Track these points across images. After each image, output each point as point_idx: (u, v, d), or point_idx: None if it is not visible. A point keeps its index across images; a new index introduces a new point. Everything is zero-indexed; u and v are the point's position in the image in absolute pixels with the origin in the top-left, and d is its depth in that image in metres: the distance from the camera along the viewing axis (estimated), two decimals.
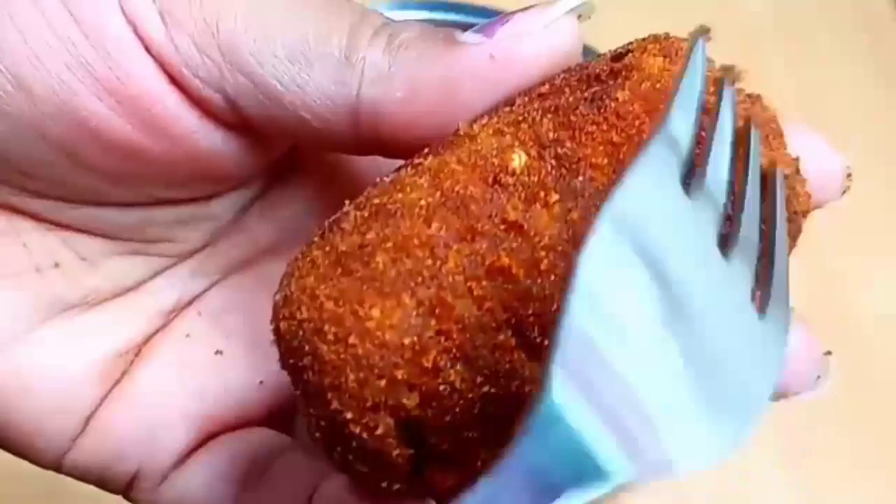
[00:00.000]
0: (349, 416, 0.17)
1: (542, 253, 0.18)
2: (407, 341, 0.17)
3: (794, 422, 0.58)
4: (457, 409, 0.17)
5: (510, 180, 0.19)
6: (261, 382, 0.22)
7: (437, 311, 0.17)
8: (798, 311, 0.66)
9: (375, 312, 0.17)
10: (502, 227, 0.18)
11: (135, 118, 0.19)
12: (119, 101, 0.19)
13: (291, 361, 0.18)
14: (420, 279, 0.17)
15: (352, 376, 0.17)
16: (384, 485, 0.18)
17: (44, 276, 0.21)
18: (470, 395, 0.17)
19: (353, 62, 0.20)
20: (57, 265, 0.21)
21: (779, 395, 0.21)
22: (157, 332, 0.22)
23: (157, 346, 0.22)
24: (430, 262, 0.18)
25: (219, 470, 0.22)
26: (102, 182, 0.20)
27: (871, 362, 0.60)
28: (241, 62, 0.19)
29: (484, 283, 0.18)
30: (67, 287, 0.21)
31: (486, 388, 0.17)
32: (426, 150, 0.20)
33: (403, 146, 0.20)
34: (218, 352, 0.22)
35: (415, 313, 0.17)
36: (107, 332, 0.22)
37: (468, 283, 0.18)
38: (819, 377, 0.22)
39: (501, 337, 0.18)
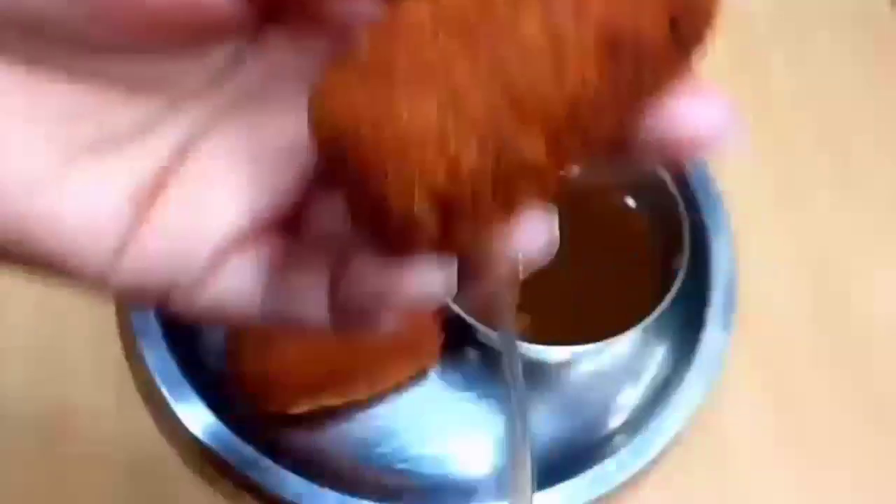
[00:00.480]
0: (389, 193, 0.20)
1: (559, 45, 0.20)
2: (433, 130, 0.20)
3: (795, 421, 0.58)
4: (475, 185, 0.21)
5: None
6: (271, 199, 0.26)
7: (456, 104, 0.20)
8: (800, 311, 0.65)
9: (404, 106, 0.20)
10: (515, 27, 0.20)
11: None
12: None
13: (330, 157, 0.22)
14: (440, 77, 0.20)
15: (390, 162, 0.20)
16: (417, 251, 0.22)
17: (68, 121, 0.23)
18: (484, 174, 0.21)
19: None
20: (79, 110, 0.23)
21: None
22: (174, 166, 0.25)
23: (177, 177, 0.25)
24: (449, 64, 0.20)
25: (246, 271, 0.25)
26: (115, 33, 0.22)
27: (873, 362, 0.60)
28: None
29: (501, 78, 0.20)
30: (89, 130, 0.23)
31: (496, 168, 0.21)
32: None
33: None
34: (229, 176, 0.25)
35: (437, 106, 0.20)
36: (130, 167, 0.24)
37: (485, 79, 0.20)
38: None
39: (519, 133, 0.21)
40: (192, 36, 0.23)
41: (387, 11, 0.21)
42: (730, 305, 0.58)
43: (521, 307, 0.57)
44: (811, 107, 0.67)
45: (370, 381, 0.54)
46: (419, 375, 0.56)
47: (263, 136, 0.25)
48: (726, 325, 0.58)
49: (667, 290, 0.54)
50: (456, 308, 0.53)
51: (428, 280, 0.24)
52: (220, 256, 0.25)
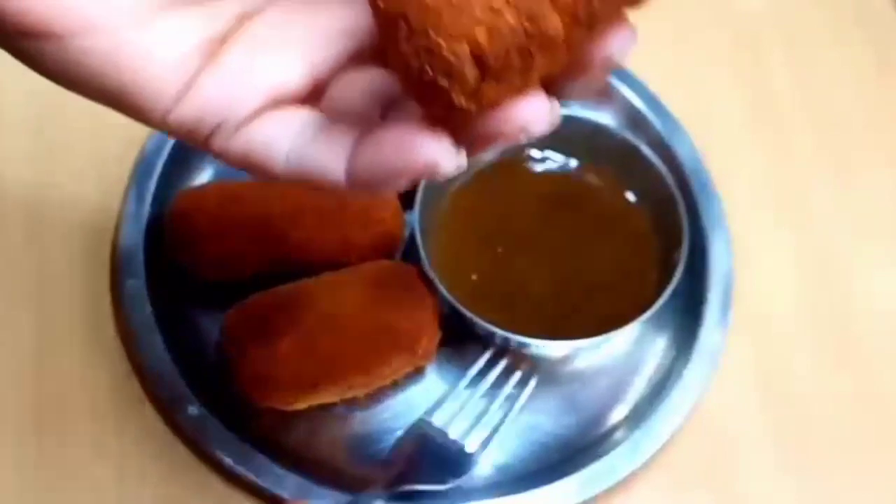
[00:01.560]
0: (441, 43, 0.24)
1: None
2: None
3: (793, 419, 0.58)
4: (510, 43, 0.25)
5: None
6: (312, 70, 0.30)
7: None
8: (800, 310, 0.65)
9: None
10: None
11: None
12: None
13: (388, 15, 0.25)
14: None
15: (442, 18, 0.24)
16: (454, 100, 0.26)
17: None
18: (516, 39, 0.25)
19: None
20: None
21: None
22: (236, 27, 0.30)
23: (238, 37, 0.30)
24: None
25: (279, 125, 0.30)
26: None
27: (873, 360, 0.60)
28: None
29: None
30: None
31: (530, 29, 0.25)
32: None
33: None
34: (281, 44, 0.30)
35: None
36: (202, 23, 0.29)
37: None
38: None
39: (544, 7, 0.25)
40: None
41: None
42: (727, 303, 0.58)
43: (520, 302, 0.57)
44: (811, 106, 0.67)
45: (367, 378, 0.54)
46: (416, 372, 0.56)
47: (314, 16, 0.30)
48: (724, 323, 0.58)
49: (666, 285, 0.54)
50: (454, 303, 0.53)
51: (441, 151, 0.28)
52: (262, 107, 0.30)
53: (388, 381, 0.55)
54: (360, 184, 0.29)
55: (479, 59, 0.25)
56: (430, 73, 0.25)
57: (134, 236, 0.57)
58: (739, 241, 0.61)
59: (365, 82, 0.31)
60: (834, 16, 0.72)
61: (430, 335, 0.54)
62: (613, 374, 0.58)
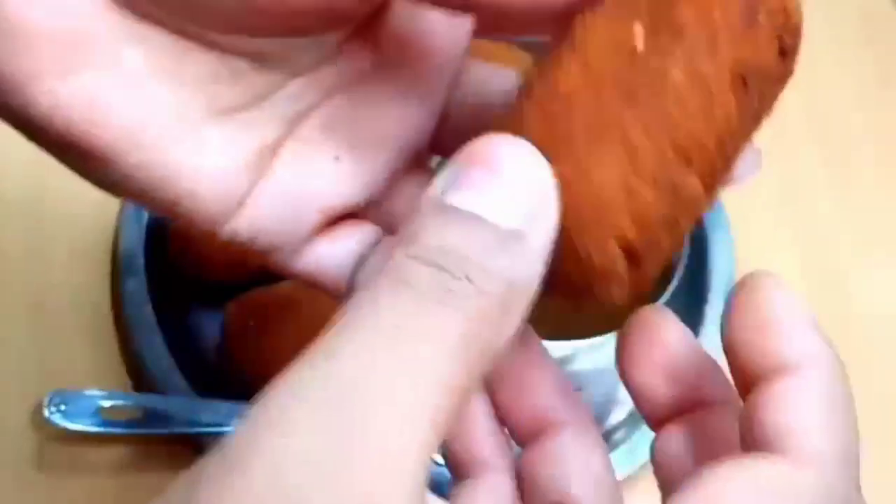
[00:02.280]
0: (589, 249, 0.23)
1: (713, 92, 0.23)
2: (620, 187, 0.23)
3: None
4: (655, 222, 0.24)
5: (641, 45, 0.23)
6: (364, 187, 0.29)
7: (632, 158, 0.23)
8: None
9: (592, 169, 0.23)
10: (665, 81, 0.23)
11: None
12: None
13: None
14: (614, 135, 0.23)
15: (587, 222, 0.23)
16: (607, 298, 0.25)
17: (205, 84, 0.26)
18: (663, 219, 0.24)
19: None
20: (214, 76, 0.26)
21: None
22: (290, 130, 0.28)
23: (292, 142, 0.28)
24: (617, 121, 0.23)
25: (339, 246, 0.29)
26: (256, 18, 0.25)
27: (872, 361, 0.60)
28: None
29: (663, 127, 0.23)
30: (222, 94, 0.26)
31: (672, 201, 0.24)
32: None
33: None
34: (336, 158, 0.29)
35: (618, 163, 0.23)
36: (250, 133, 0.27)
37: (651, 130, 0.23)
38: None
39: (683, 174, 0.23)
40: (318, 23, 0.26)
41: (535, 78, 0.24)
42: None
43: None
44: (812, 107, 0.67)
45: None
46: None
47: (368, 117, 0.29)
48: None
49: (667, 286, 0.54)
50: None
51: None
52: (318, 226, 0.29)
53: None
54: None
55: (629, 251, 0.24)
56: (581, 280, 0.24)
57: (134, 236, 0.57)
58: (740, 241, 0.61)
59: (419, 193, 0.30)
60: (834, 16, 0.72)
61: None
62: (613, 374, 0.58)
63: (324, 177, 0.28)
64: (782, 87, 0.25)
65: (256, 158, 0.27)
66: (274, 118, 0.28)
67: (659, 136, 0.23)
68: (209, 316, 0.57)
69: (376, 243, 0.29)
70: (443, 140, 0.30)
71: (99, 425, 0.52)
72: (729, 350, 0.24)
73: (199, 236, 0.56)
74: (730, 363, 0.24)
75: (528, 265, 0.22)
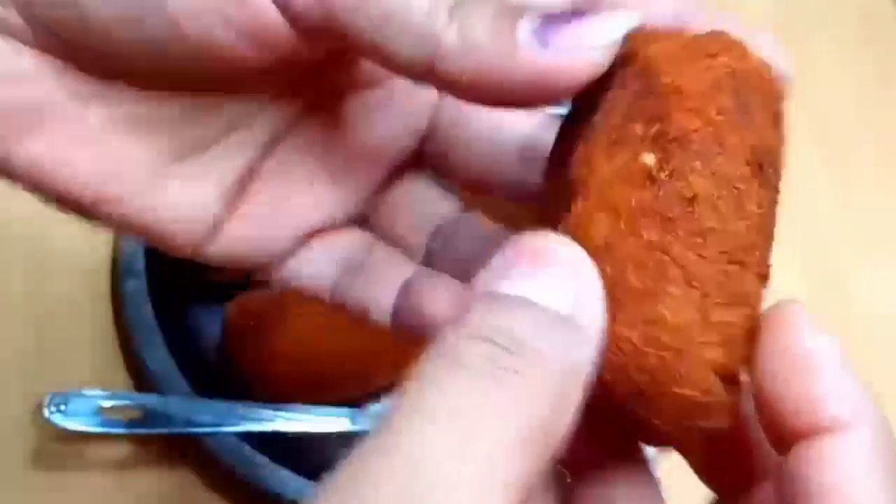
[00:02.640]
0: (686, 385, 0.23)
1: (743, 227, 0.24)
2: (696, 319, 0.23)
3: None
4: (738, 337, 0.23)
5: (661, 176, 0.23)
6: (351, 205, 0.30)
7: (698, 287, 0.23)
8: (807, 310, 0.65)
9: (665, 313, 0.23)
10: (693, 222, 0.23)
11: (250, 41, 0.25)
12: (242, 32, 0.25)
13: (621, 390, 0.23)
14: (671, 271, 0.23)
15: (679, 364, 0.23)
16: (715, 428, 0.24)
17: (172, 128, 0.27)
18: (741, 320, 0.23)
19: (431, 35, 0.24)
20: (181, 119, 0.27)
21: None
22: (257, 164, 0.29)
23: (260, 174, 0.29)
24: (668, 255, 0.23)
25: (322, 257, 0.30)
26: (208, 80, 0.26)
27: (873, 362, 0.60)
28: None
29: (710, 243, 0.23)
30: (190, 134, 0.28)
31: (745, 312, 0.23)
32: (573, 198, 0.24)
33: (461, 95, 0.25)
34: (306, 177, 0.29)
35: (685, 297, 0.23)
36: (222, 165, 0.28)
37: (700, 250, 0.23)
38: None
39: (744, 279, 0.23)
40: (273, 77, 0.27)
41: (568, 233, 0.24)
42: None
43: None
44: (812, 107, 0.67)
45: (366, 378, 0.54)
46: None
47: (344, 134, 0.29)
48: None
49: None
50: None
51: None
52: (298, 244, 0.30)
53: (387, 382, 0.55)
54: (405, 328, 0.29)
55: (726, 376, 0.23)
56: (683, 420, 0.24)
57: (135, 236, 0.57)
58: None
59: (408, 204, 0.31)
60: (834, 16, 0.72)
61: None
62: None
63: (300, 199, 0.29)
64: (785, 149, 0.26)
65: (230, 187, 0.28)
66: (246, 146, 0.28)
67: (711, 255, 0.23)
68: (209, 316, 0.57)
69: (365, 248, 0.30)
70: (432, 152, 0.30)
71: (99, 425, 0.52)
72: (762, 397, 0.24)
73: None
74: (762, 410, 0.24)
75: (580, 348, 0.22)
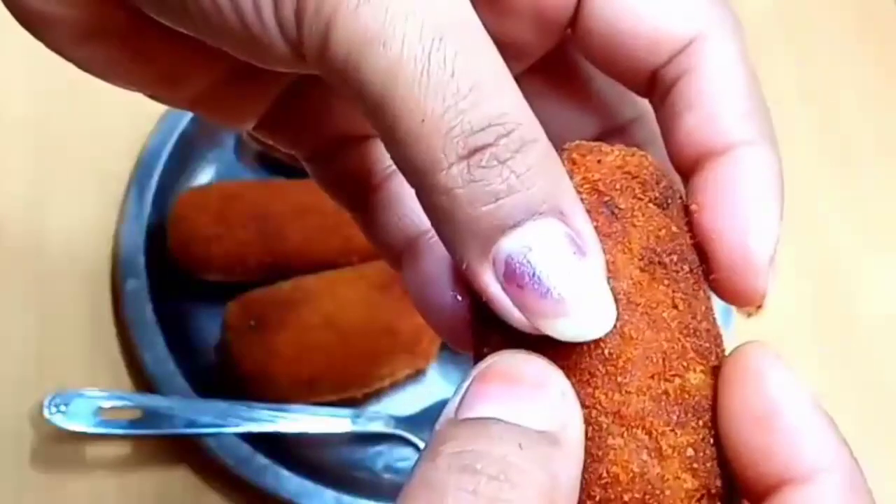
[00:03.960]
0: None
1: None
2: (650, 468, 0.22)
3: None
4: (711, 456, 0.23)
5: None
6: None
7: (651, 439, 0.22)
8: (800, 311, 0.65)
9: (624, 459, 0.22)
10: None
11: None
12: None
13: None
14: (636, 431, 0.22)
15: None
16: None
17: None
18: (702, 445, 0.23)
19: (436, 161, 0.22)
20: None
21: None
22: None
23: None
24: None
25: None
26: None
27: (878, 362, 0.60)
28: None
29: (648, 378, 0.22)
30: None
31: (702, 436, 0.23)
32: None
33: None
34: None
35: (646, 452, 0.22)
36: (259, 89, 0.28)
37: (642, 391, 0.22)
38: None
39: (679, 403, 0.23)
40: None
41: None
42: (729, 305, 0.58)
43: None
44: (813, 107, 0.67)
45: (366, 378, 0.54)
46: (416, 375, 0.56)
47: None
48: (726, 326, 0.57)
49: None
50: None
51: None
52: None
53: (386, 382, 0.55)
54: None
55: (704, 495, 0.22)
56: None
57: (134, 236, 0.57)
58: None
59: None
60: (837, 14, 0.71)
61: (431, 337, 0.54)
62: None
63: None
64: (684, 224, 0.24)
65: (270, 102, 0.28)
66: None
67: (639, 385, 0.22)
68: (209, 316, 0.57)
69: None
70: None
71: (99, 426, 0.52)
72: (729, 451, 0.23)
73: (201, 238, 0.56)
74: (730, 463, 0.23)
75: (563, 462, 0.21)
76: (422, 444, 0.54)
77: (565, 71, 0.29)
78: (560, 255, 0.21)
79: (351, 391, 0.54)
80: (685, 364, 0.22)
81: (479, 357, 0.23)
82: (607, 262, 0.22)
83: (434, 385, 0.56)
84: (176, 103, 0.29)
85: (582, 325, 0.21)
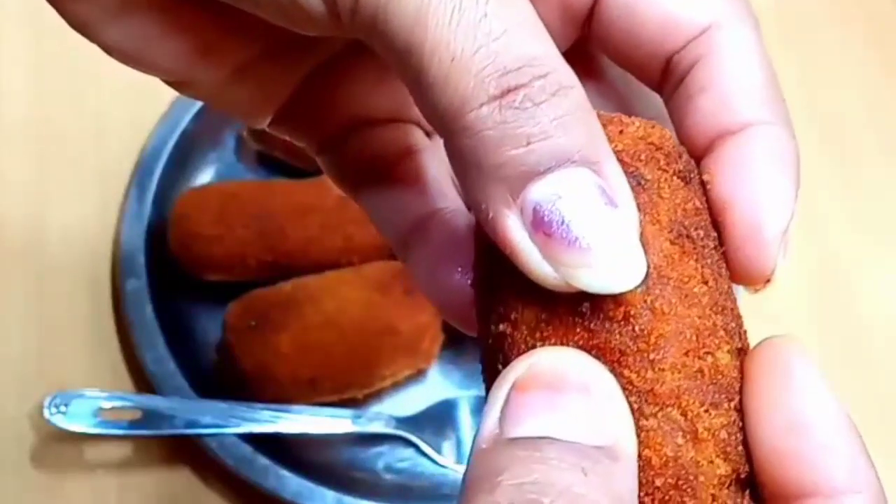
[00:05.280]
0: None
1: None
2: (684, 451, 0.21)
3: None
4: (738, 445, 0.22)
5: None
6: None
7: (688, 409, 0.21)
8: (801, 311, 0.65)
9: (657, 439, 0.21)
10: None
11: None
12: None
13: None
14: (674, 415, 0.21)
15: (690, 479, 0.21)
16: None
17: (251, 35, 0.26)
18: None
19: (470, 98, 0.21)
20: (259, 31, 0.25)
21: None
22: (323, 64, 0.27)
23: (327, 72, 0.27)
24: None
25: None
26: None
27: (873, 361, 0.60)
28: None
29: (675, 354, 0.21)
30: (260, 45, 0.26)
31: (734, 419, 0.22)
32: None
33: None
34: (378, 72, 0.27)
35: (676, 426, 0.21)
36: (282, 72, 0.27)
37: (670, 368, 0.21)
38: None
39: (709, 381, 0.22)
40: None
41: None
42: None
43: None
44: (814, 107, 0.67)
45: (366, 378, 0.54)
46: (417, 375, 0.56)
47: None
48: None
49: None
50: None
51: None
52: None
53: (388, 383, 0.55)
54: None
55: (734, 480, 0.22)
56: None
57: (135, 236, 0.57)
58: None
59: None
60: (837, 12, 0.71)
61: (432, 337, 0.54)
62: None
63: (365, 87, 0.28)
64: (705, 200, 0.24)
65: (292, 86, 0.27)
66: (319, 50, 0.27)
67: (673, 362, 0.21)
68: (209, 316, 0.57)
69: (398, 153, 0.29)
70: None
71: (99, 426, 0.52)
72: (756, 442, 0.22)
73: (201, 238, 0.56)
74: (755, 454, 0.22)
75: (624, 477, 0.20)
76: (422, 445, 0.54)
77: (583, 69, 0.28)
78: (591, 204, 0.20)
79: (352, 391, 0.54)
80: (716, 342, 0.22)
81: (484, 336, 0.23)
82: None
83: (435, 385, 0.56)
84: (200, 89, 0.28)
85: (610, 276, 0.20)
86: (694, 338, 0.21)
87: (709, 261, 0.22)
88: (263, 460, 0.52)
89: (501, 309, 0.22)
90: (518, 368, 0.21)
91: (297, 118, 0.29)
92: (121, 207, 0.59)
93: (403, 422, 0.54)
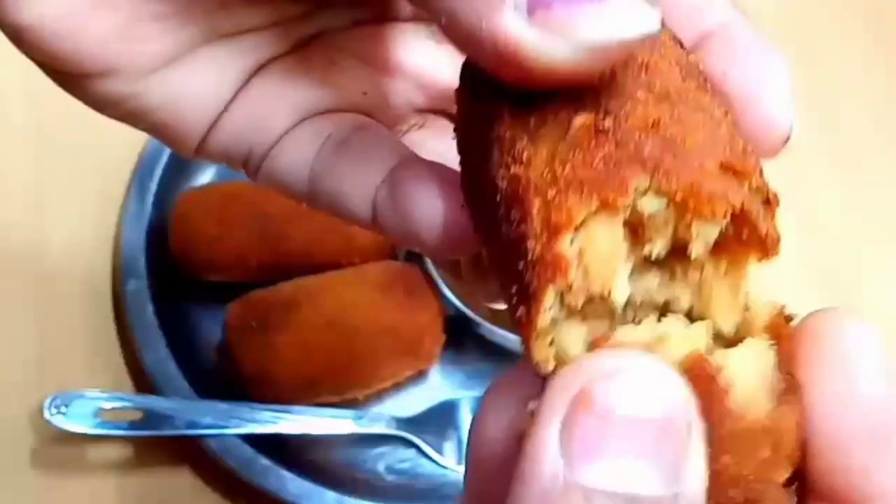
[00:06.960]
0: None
1: None
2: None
3: None
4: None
5: None
6: (364, 93, 0.29)
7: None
8: (804, 310, 0.65)
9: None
10: None
11: None
12: None
13: None
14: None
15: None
16: None
17: (213, 11, 0.26)
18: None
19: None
20: (201, 7, 0.26)
21: None
22: (274, 57, 0.28)
23: (273, 66, 0.28)
24: None
25: (309, 139, 0.28)
26: None
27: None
28: None
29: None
30: (206, 24, 0.27)
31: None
32: None
33: None
34: (326, 68, 0.28)
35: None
36: (245, 55, 0.27)
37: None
38: None
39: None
40: None
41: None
42: None
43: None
44: (815, 107, 0.67)
45: (367, 379, 0.54)
46: (418, 375, 0.56)
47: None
48: None
49: None
50: (457, 303, 0.53)
51: None
52: (292, 126, 0.28)
53: (388, 383, 0.55)
54: (384, 229, 0.26)
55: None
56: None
57: (135, 237, 0.57)
58: None
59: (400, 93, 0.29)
60: (839, 11, 0.71)
61: (434, 338, 0.54)
62: None
63: (302, 86, 0.28)
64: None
65: (240, 77, 0.28)
66: (262, 43, 0.27)
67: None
68: (209, 316, 0.57)
69: (355, 127, 0.28)
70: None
71: (99, 427, 0.51)
72: (814, 441, 0.19)
73: (202, 238, 0.56)
74: (808, 446, 0.20)
75: None
76: (424, 446, 0.54)
77: None
78: None
79: (353, 392, 0.54)
80: (752, 164, 0.21)
81: (487, 218, 0.21)
82: (647, 62, 0.21)
83: (436, 386, 0.56)
84: (126, 79, 0.27)
85: (625, 16, 0.19)
86: (727, 150, 0.20)
87: (718, 101, 0.22)
88: (264, 461, 0.52)
89: (507, 156, 0.21)
90: (587, 370, 0.17)
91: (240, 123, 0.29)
92: (121, 208, 0.59)
93: (404, 422, 0.54)
